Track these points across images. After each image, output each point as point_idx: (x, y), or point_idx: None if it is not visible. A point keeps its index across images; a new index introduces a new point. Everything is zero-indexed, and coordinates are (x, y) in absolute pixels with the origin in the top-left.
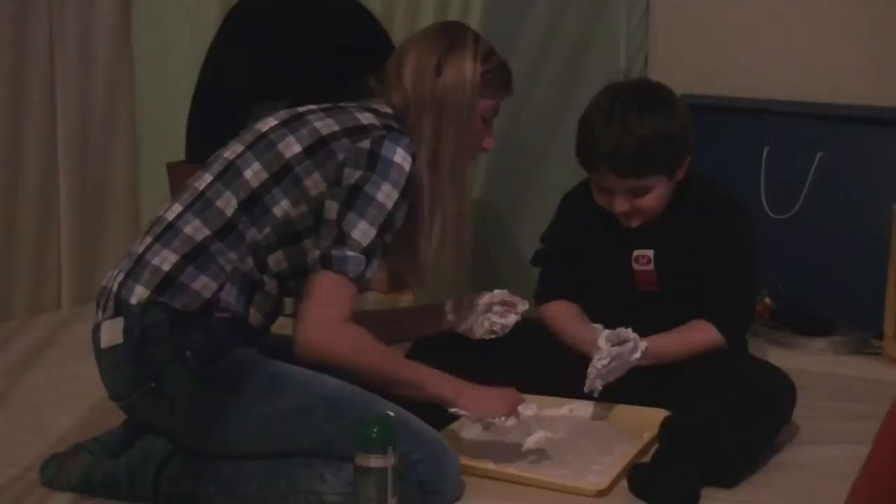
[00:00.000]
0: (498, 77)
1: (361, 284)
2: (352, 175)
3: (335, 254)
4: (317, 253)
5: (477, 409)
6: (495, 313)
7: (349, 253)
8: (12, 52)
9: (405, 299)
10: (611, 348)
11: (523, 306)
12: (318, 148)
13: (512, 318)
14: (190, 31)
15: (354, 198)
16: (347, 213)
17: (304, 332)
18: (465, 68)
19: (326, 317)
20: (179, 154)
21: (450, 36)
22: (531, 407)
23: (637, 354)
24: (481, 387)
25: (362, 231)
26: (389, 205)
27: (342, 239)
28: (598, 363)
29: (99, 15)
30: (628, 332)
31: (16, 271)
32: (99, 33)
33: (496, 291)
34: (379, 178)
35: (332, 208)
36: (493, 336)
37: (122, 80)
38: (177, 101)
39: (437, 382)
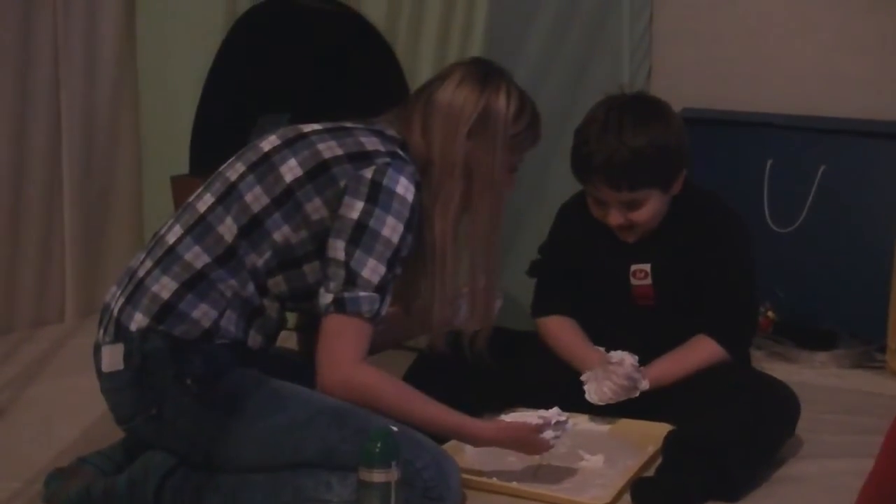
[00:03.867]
0: (529, 137)
1: (377, 322)
2: (351, 205)
3: (347, 296)
4: (329, 297)
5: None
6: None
7: (361, 294)
8: (16, 61)
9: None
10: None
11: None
12: (319, 172)
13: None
14: (194, 43)
15: (360, 234)
16: (355, 252)
17: (322, 375)
18: (497, 132)
19: (341, 359)
20: (183, 166)
21: (486, 93)
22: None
23: (636, 393)
24: (491, 424)
25: (371, 269)
26: (396, 239)
27: (352, 279)
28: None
29: (103, 26)
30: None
31: (19, 283)
32: (103, 45)
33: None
34: (382, 211)
35: (337, 247)
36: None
37: (126, 91)
38: (181, 113)
39: (452, 420)
